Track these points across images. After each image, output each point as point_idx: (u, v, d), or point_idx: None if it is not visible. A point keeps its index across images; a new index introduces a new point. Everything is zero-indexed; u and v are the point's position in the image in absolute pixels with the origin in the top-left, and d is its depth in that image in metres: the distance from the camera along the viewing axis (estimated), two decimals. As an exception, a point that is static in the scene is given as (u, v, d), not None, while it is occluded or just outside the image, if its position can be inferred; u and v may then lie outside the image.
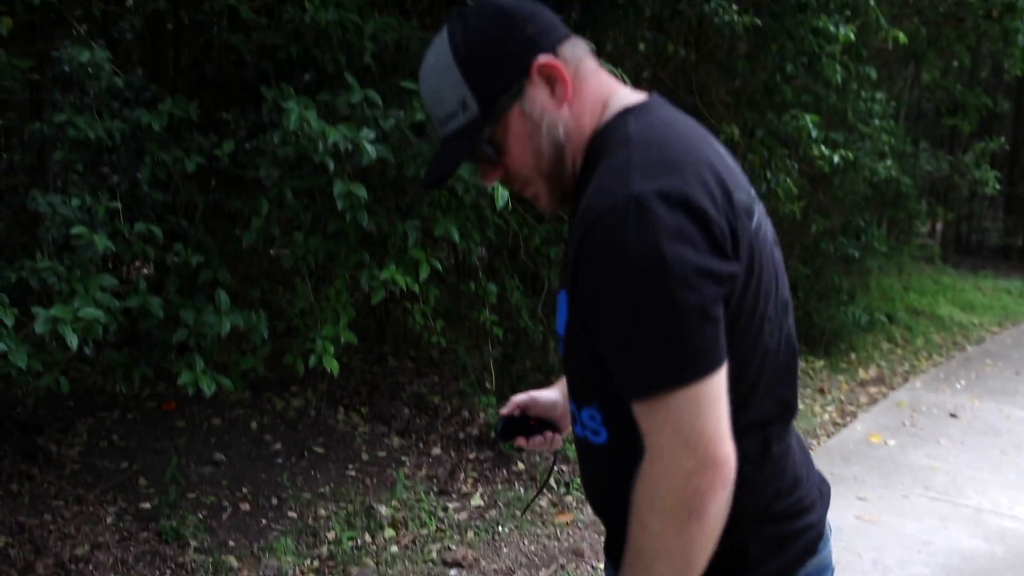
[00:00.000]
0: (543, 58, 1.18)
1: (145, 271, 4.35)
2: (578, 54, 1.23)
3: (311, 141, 2.86)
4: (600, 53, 3.67)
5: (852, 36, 4.79)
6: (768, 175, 5.11)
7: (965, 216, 15.88)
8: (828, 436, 5.24)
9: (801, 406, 5.68)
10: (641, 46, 4.85)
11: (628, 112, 1.21)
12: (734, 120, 5.18)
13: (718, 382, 1.09)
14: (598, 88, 1.24)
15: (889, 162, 6.87)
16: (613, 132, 1.19)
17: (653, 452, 1.09)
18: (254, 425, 4.56)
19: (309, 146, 2.87)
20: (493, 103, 1.18)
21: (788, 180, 5.16)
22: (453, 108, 1.20)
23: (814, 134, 4.95)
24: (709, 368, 1.08)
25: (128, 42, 3.80)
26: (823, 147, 5.09)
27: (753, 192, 1.25)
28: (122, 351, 3.59)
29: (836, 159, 5.15)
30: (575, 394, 1.26)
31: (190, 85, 3.99)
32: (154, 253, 3.11)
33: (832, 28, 4.71)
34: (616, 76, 1.28)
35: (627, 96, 1.25)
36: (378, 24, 3.25)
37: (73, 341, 2.68)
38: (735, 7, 4.02)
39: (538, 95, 1.19)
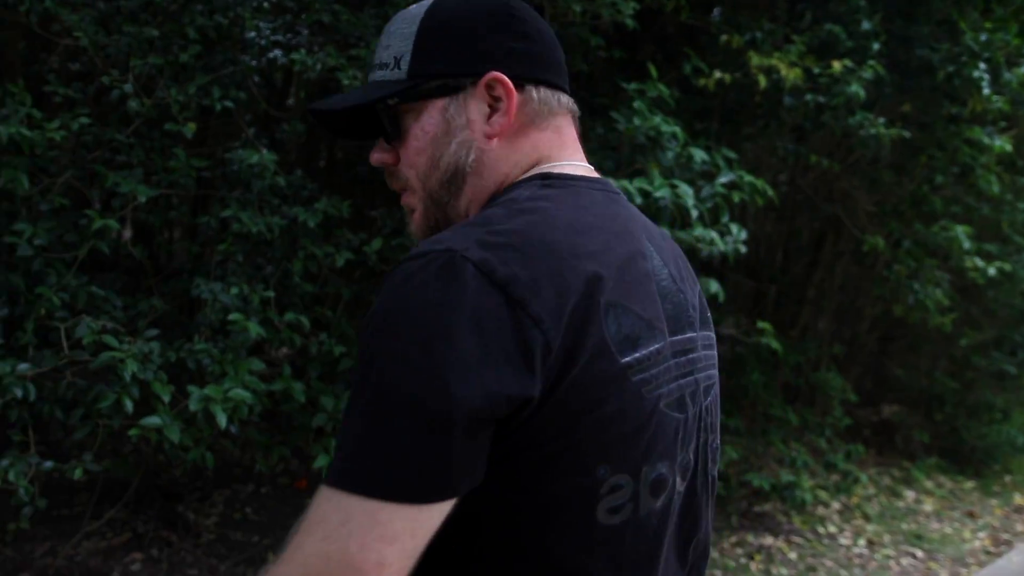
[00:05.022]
0: (499, 75, 0.99)
1: (285, 351, 4.58)
2: (551, 106, 1.03)
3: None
4: (740, 158, 3.68)
5: (1007, 147, 4.62)
6: (916, 287, 4.92)
7: None
8: (980, 565, 4.86)
9: (948, 530, 5.30)
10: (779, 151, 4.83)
11: (544, 178, 1.00)
12: (878, 231, 5.04)
13: (417, 520, 0.81)
14: (541, 146, 1.03)
15: (1050, 275, 6.49)
16: (509, 191, 1.00)
17: (289, 551, 0.83)
18: (379, 509, 4.64)
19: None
20: (421, 79, 1.00)
21: (938, 292, 4.95)
22: (388, 60, 1.02)
23: (967, 245, 4.75)
24: (411, 496, 0.81)
25: (287, 140, 4.10)
26: (977, 259, 4.87)
27: (701, 339, 1.04)
28: (262, 430, 3.76)
29: (991, 271, 4.91)
30: None
31: (342, 182, 4.23)
32: (299, 340, 3.28)
33: (986, 139, 4.56)
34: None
35: (565, 166, 1.03)
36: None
37: (222, 420, 2.83)
38: (881, 120, 3.96)
39: (472, 108, 1.00)
